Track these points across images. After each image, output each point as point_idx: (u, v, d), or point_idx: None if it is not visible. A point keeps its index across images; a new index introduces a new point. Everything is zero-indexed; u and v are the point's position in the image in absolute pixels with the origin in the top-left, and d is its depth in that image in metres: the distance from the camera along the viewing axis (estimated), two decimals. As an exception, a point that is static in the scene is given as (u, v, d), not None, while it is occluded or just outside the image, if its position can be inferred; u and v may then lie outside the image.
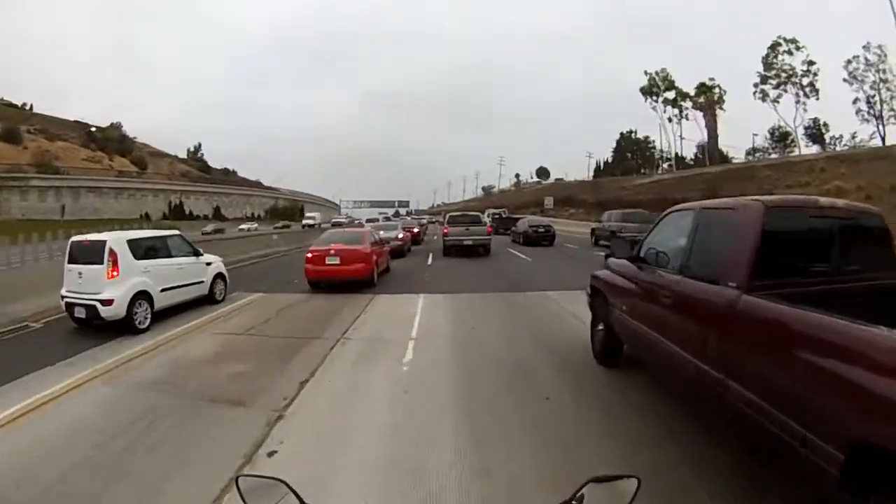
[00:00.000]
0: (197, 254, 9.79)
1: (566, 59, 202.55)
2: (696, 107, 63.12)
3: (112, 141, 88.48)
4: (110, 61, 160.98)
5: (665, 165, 74.14)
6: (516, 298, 9.90)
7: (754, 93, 56.11)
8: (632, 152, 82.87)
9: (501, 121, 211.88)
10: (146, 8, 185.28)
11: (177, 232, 10.16)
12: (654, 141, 79.08)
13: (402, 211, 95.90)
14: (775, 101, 56.93)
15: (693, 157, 69.66)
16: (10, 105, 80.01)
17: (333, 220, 54.59)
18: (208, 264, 10.01)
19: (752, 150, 63.50)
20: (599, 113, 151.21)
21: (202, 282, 9.66)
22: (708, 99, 60.49)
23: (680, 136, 67.68)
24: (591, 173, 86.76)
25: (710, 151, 62.23)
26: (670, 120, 65.74)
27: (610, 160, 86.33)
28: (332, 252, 11.22)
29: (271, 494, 1.09)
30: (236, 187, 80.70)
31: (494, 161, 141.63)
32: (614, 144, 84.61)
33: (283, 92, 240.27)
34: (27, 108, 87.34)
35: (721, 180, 41.72)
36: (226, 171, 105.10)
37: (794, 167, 38.58)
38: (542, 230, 25.26)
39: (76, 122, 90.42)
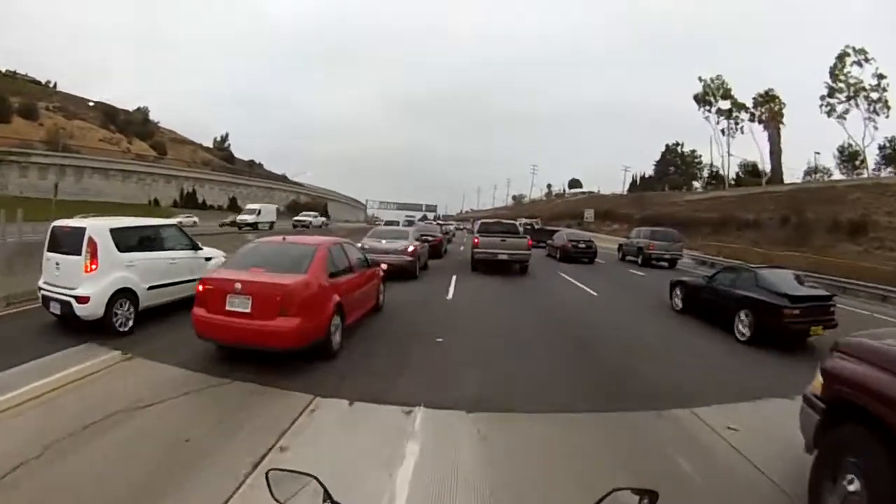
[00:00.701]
0: (195, 247, 8.78)
1: (602, 70, 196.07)
2: (755, 119, 56.62)
3: (133, 124, 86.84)
4: (147, 49, 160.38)
5: (704, 181, 68.26)
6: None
7: (821, 106, 49.85)
8: (676, 166, 76.14)
9: (535, 128, 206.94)
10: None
11: (172, 222, 9.43)
12: (700, 155, 72.68)
13: (430, 215, 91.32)
14: (841, 116, 50.23)
15: (735, 174, 63.21)
16: (34, 81, 78.42)
17: (295, 219, 45.76)
18: (208, 259, 8.89)
19: (815, 170, 56.62)
20: (635, 127, 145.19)
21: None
22: (771, 110, 53.79)
23: (728, 153, 62.40)
24: (626, 187, 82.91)
25: (775, 168, 55.58)
26: (723, 132, 59.26)
27: (651, 174, 79.88)
28: (240, 287, 5.67)
29: (300, 488, 1.14)
30: (256, 179, 77.25)
31: (525, 168, 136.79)
32: (658, 157, 78.31)
33: (316, 92, 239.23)
34: (51, 85, 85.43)
35: (799, 201, 35.46)
36: (250, 164, 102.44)
37: (887, 189, 32.23)
38: (582, 246, 22.94)
39: (99, 102, 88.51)
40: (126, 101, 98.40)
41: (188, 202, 61.63)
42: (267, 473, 1.19)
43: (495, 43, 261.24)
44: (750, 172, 61.85)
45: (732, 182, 61.07)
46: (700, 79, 60.70)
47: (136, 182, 58.78)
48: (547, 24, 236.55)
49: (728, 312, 8.75)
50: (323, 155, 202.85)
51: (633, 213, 53.77)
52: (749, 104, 58.72)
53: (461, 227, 62.94)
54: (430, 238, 18.98)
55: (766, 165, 58.56)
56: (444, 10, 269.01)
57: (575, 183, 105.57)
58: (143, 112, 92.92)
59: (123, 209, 45.37)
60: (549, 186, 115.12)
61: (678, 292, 10.96)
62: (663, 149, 79.16)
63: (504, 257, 15.75)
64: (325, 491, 1.13)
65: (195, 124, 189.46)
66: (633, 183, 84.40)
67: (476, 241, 16.46)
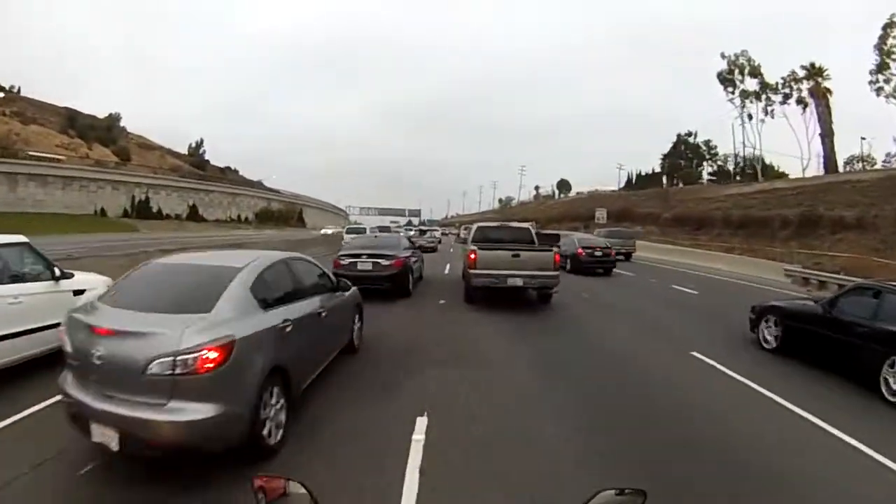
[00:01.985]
0: (55, 276, 5.73)
1: (587, 73, 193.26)
2: (791, 99, 49.11)
3: (96, 129, 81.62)
4: (124, 57, 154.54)
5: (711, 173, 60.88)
6: None
7: (871, 82, 41.91)
8: (688, 158, 68.30)
9: (520, 132, 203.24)
10: (165, 11, 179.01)
11: (18, 239, 5.68)
12: (716, 146, 67.27)
13: (415, 221, 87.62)
14: (893, 95, 42.65)
15: (740, 168, 56.87)
16: (-4, 86, 71.37)
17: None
18: (79, 293, 5.86)
19: (861, 158, 49.08)
20: (623, 127, 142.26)
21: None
22: (818, 85, 46.10)
23: (742, 143, 57.19)
24: (621, 186, 79.25)
25: (827, 154, 47.45)
26: (750, 118, 51.73)
27: (654, 169, 72.71)
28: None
29: (286, 493, 1.13)
30: (221, 184, 69.50)
31: (511, 172, 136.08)
32: (668, 148, 70.64)
33: (301, 102, 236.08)
34: (14, 90, 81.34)
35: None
36: (224, 170, 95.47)
37: None
38: (598, 254, 19.17)
39: (65, 108, 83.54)
40: (111, 110, 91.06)
41: (140, 211, 54.07)
42: (252, 479, 1.18)
43: (482, 49, 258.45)
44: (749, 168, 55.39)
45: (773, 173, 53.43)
46: (723, 55, 53.53)
47: (78, 190, 51.41)
48: (531, 29, 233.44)
49: (868, 358, 5.81)
50: (308, 164, 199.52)
51: (658, 211, 46.10)
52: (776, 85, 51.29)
53: (447, 232, 60.40)
54: (382, 259, 11.66)
55: (806, 153, 50.95)
56: (428, 19, 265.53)
57: (563, 184, 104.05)
58: (114, 118, 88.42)
59: (59, 222, 38.47)
60: (536, 188, 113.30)
61: (771, 322, 7.84)
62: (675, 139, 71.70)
63: (518, 282, 10.40)
64: (311, 495, 1.13)
65: (181, 135, 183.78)
66: (629, 181, 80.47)
67: (473, 256, 10.62)
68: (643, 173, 79.74)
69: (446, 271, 17.79)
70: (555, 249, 10.86)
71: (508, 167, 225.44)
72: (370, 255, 11.56)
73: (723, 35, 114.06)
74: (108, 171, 54.95)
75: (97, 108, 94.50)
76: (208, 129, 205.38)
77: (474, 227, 13.22)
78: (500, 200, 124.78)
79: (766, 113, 52.72)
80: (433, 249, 29.83)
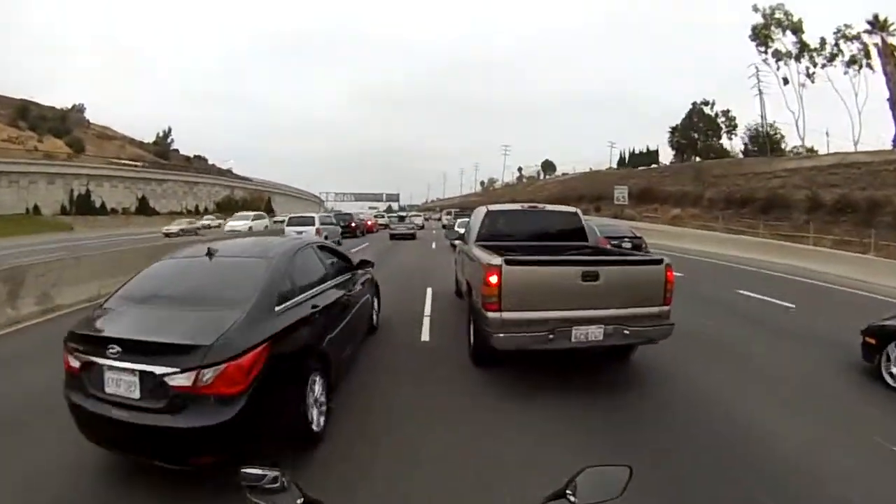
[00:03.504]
0: None
1: (567, 50, 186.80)
2: (839, 60, 41.64)
3: (50, 120, 76.92)
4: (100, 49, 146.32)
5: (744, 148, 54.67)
6: None
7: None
8: (702, 131, 60.64)
9: (500, 115, 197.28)
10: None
11: None
12: (735, 117, 59.66)
13: (395, 206, 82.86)
14: None
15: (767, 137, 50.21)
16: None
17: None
18: None
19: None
20: (607, 108, 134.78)
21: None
22: (884, 41, 38.73)
23: (761, 115, 50.80)
24: (615, 165, 73.66)
25: None
26: (785, 82, 44.72)
27: (668, 142, 64.70)
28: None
29: (273, 484, 1.14)
30: (175, 172, 62.56)
31: (492, 155, 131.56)
32: (680, 120, 62.94)
33: (273, 86, 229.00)
34: None
35: None
36: (189, 159, 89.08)
37: None
38: (627, 245, 14.02)
39: (21, 100, 78.95)
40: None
41: (81, 207, 47.04)
42: (240, 471, 1.17)
43: (460, 28, 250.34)
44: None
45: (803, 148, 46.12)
46: (756, 8, 45.99)
47: (7, 186, 44.33)
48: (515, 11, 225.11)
49: None
50: (285, 153, 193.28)
51: (690, 190, 38.47)
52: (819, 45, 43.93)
53: (428, 217, 56.12)
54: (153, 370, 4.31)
55: (857, 125, 43.85)
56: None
57: (548, 165, 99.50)
58: (76, 108, 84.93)
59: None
60: (519, 170, 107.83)
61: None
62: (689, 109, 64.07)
63: (597, 335, 4.67)
64: (297, 486, 1.15)
65: (159, 128, 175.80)
66: (622, 160, 75.03)
67: (493, 281, 4.63)
68: (637, 151, 73.78)
69: (427, 295, 9.90)
70: (665, 261, 4.95)
71: (489, 149, 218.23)
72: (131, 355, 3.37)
73: None
74: (42, 164, 47.76)
75: (67, 100, 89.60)
76: (186, 120, 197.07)
77: (480, 212, 7.73)
78: (482, 183, 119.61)
79: (808, 76, 45.30)
80: (412, 237, 28.40)
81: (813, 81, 44.95)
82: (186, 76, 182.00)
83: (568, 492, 1.10)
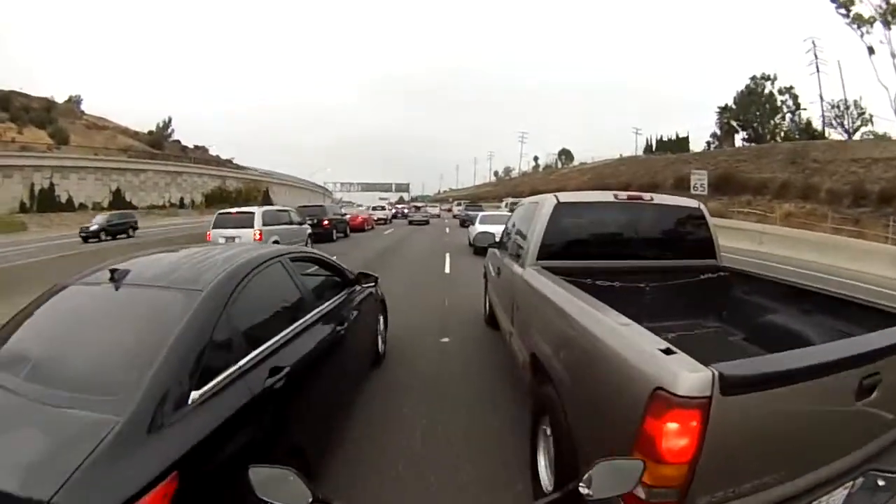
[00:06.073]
0: None
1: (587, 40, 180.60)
2: None
3: (34, 110, 71.81)
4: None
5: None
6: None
7: None
8: (764, 110, 51.81)
9: (515, 103, 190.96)
10: None
11: None
12: (797, 95, 50.73)
13: (406, 196, 79.49)
14: None
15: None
16: None
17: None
18: None
19: None
20: (623, 97, 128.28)
21: None
22: None
23: (819, 95, 45.27)
24: (641, 153, 69.22)
25: None
26: (871, 51, 36.23)
27: (717, 124, 56.66)
28: None
29: (282, 483, 1.13)
30: (156, 162, 55.65)
31: (505, 144, 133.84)
32: (732, 98, 54.54)
33: (281, 74, 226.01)
34: None
35: None
36: (185, 148, 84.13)
37: None
38: None
39: (11, 91, 74.72)
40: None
41: (43, 202, 40.80)
42: (248, 469, 1.16)
43: (476, 14, 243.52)
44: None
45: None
46: None
47: (-44, 181, 37.97)
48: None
49: None
50: (292, 142, 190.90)
51: (786, 177, 30.11)
52: None
53: (442, 208, 54.55)
54: None
55: None
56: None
57: (566, 154, 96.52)
58: (74, 99, 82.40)
59: None
60: (535, 159, 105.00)
61: None
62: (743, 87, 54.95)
63: None
64: (306, 484, 1.13)
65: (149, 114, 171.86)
66: (648, 147, 70.99)
67: (671, 413, 1.60)
68: (664, 138, 69.47)
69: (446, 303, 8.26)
70: None
71: (503, 139, 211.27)
72: None
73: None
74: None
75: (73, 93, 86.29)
76: (196, 112, 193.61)
77: (541, 206, 4.11)
78: (497, 173, 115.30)
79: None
80: (426, 222, 35.33)
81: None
82: (197, 68, 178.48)
83: (581, 484, 1.12)
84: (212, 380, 1.92)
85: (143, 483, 1.47)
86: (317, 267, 3.82)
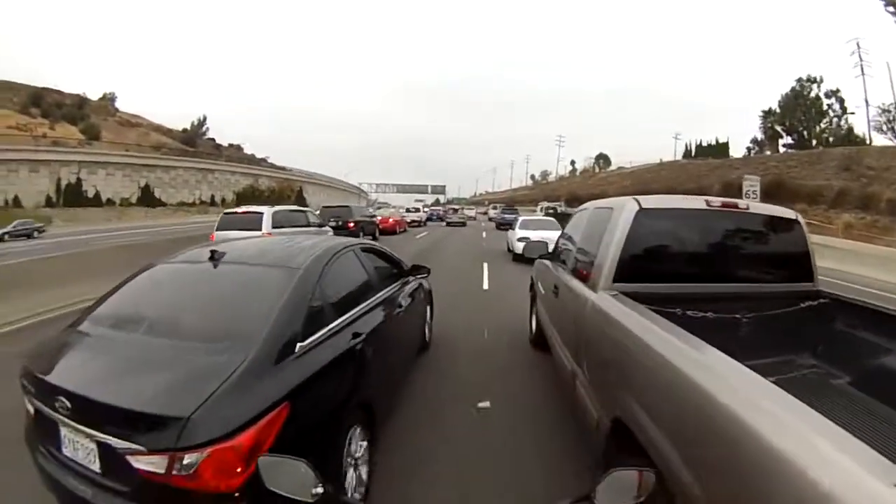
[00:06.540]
0: None
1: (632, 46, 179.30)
2: None
3: (65, 107, 72.97)
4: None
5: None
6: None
7: None
8: (810, 114, 48.82)
9: (552, 107, 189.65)
10: None
11: None
12: (843, 98, 48.23)
13: (442, 199, 79.14)
14: None
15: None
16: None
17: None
18: None
19: None
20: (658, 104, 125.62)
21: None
22: None
23: (865, 99, 42.30)
24: (681, 158, 69.12)
25: None
26: None
27: (760, 129, 53.95)
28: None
29: (293, 474, 1.13)
30: (186, 159, 55.12)
31: (543, 147, 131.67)
32: (776, 102, 51.80)
33: (321, 77, 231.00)
34: None
35: None
36: (219, 146, 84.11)
37: None
38: None
39: (44, 88, 76.76)
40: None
41: (69, 196, 40.41)
42: (258, 460, 1.17)
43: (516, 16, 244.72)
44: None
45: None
46: None
47: (-19, 175, 37.96)
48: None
49: None
50: (327, 143, 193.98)
51: (841, 184, 27.00)
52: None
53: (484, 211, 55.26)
54: None
55: None
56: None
57: (602, 157, 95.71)
58: (109, 97, 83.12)
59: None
60: (572, 163, 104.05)
61: None
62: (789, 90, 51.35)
63: None
64: (316, 476, 1.12)
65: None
66: (687, 153, 70.15)
67: None
68: (704, 143, 68.61)
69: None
70: None
71: (539, 143, 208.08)
72: None
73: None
74: (24, 150, 41.17)
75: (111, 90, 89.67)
76: (236, 113, 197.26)
77: (619, 213, 3.33)
78: (533, 177, 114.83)
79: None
80: (462, 224, 36.26)
81: None
82: (238, 73, 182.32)
83: (592, 495, 1.10)
84: (311, 336, 2.45)
85: (264, 407, 1.92)
86: (378, 257, 4.26)
